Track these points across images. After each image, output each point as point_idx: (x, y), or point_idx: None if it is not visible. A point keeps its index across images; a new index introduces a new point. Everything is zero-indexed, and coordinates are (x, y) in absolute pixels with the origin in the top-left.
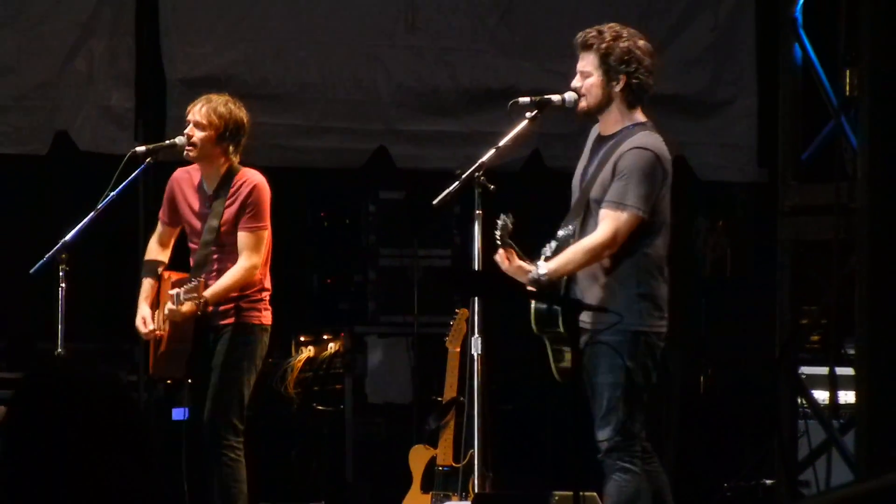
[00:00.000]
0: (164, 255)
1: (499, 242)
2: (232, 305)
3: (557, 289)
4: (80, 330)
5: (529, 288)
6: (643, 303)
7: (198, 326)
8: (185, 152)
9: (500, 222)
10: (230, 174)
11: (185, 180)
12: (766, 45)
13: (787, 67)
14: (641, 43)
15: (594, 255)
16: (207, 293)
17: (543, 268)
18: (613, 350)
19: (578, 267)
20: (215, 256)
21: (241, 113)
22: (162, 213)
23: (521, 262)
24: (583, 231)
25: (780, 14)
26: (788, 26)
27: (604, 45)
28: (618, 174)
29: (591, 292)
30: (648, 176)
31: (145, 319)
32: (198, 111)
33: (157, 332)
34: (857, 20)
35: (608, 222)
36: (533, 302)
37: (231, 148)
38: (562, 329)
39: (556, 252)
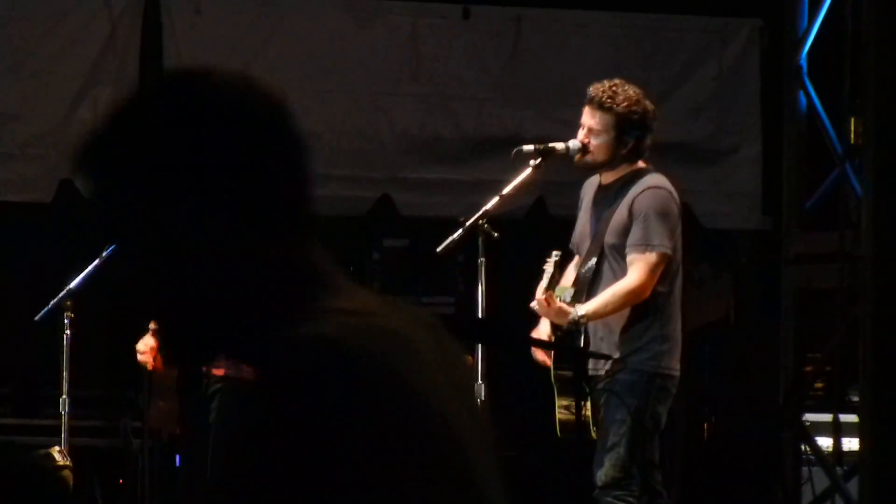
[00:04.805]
0: None
1: (546, 281)
2: None
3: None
4: (85, 377)
5: (555, 331)
6: (664, 344)
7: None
8: None
9: (552, 259)
10: None
11: None
12: (771, 92)
13: (791, 115)
14: (651, 107)
15: (632, 298)
16: None
17: (582, 310)
18: (626, 389)
19: (616, 310)
20: None
21: None
22: None
23: (562, 305)
24: (597, 276)
25: (784, 62)
26: (793, 74)
27: (620, 110)
28: (636, 216)
29: (612, 333)
30: (667, 214)
31: (147, 344)
32: None
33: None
34: (861, 68)
35: (640, 265)
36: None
37: None
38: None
39: (576, 294)
